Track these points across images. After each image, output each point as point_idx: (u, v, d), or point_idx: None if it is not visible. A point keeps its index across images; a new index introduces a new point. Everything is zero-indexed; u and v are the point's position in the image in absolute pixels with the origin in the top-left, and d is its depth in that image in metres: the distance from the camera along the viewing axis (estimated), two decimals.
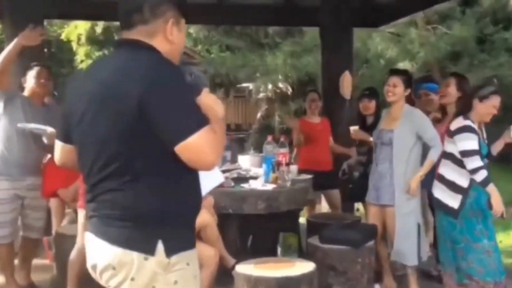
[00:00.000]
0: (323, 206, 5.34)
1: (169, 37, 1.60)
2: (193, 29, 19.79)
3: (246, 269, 2.95)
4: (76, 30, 20.61)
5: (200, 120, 1.50)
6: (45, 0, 5.26)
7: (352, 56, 5.83)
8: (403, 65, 11.50)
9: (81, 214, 3.29)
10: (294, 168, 3.90)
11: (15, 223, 3.66)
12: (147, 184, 1.52)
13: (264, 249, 4.15)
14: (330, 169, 4.87)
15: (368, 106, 4.25)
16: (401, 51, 12.08)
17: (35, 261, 4.12)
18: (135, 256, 1.50)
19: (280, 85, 16.11)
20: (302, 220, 4.72)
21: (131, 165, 1.52)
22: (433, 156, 3.39)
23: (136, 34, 1.59)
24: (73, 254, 3.35)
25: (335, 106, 5.44)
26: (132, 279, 1.51)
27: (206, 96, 1.66)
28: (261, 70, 13.70)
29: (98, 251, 1.58)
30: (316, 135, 4.91)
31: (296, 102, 14.17)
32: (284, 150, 3.61)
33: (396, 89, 3.55)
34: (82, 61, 19.80)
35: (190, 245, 1.62)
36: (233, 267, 3.16)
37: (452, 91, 3.75)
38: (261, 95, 17.54)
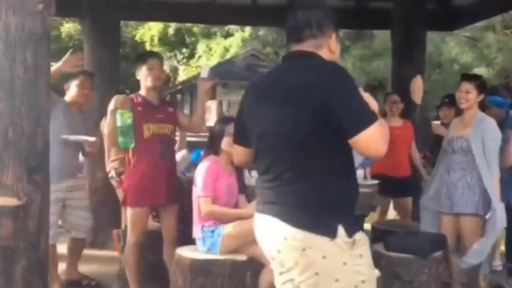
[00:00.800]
0: (391, 213, 5.22)
1: (332, 48, 1.92)
2: (262, 31, 19.93)
3: None
4: (149, 32, 21.30)
5: (373, 114, 1.77)
6: (122, 2, 5.48)
7: (424, 60, 5.66)
8: (478, 70, 11.04)
9: (129, 212, 3.42)
10: (359, 172, 3.83)
11: (56, 225, 3.79)
12: (324, 177, 1.81)
13: None
14: (407, 175, 4.70)
15: (448, 114, 4.10)
16: (477, 56, 11.62)
17: (104, 253, 4.29)
18: (322, 238, 1.77)
19: None
20: (368, 226, 4.63)
21: (312, 161, 1.80)
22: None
23: (306, 46, 1.89)
24: (126, 251, 3.46)
25: (407, 111, 5.30)
26: (324, 257, 1.78)
27: (363, 94, 1.84)
28: None
29: (281, 235, 1.82)
30: (394, 138, 4.78)
31: None
32: None
33: (468, 95, 3.43)
34: None
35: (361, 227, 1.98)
36: None
37: None
38: None
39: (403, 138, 4.77)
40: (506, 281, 3.79)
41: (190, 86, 25.75)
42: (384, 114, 5.06)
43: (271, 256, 1.93)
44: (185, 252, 3.13)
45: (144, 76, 3.43)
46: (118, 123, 3.30)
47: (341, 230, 1.78)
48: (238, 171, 3.32)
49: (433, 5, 5.68)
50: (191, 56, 30.34)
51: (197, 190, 3.12)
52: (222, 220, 3.11)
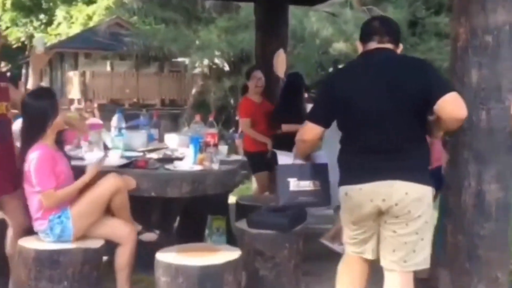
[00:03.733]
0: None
1: (398, 52, 2.54)
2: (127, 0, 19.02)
3: (167, 257, 2.78)
4: None
5: (452, 85, 2.52)
6: None
7: (288, 34, 5.69)
8: (338, 45, 11.55)
9: None
10: (223, 148, 3.75)
11: None
12: (420, 142, 2.46)
13: (191, 233, 4.00)
14: (265, 150, 4.76)
15: None
16: (336, 31, 12.13)
17: None
18: (429, 189, 2.43)
19: (216, 61, 15.85)
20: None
21: (413, 130, 2.42)
22: None
23: (388, 45, 2.48)
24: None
25: (270, 85, 5.31)
26: (428, 204, 2.43)
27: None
28: (195, 45, 13.34)
29: (400, 191, 2.35)
30: (261, 115, 4.80)
31: (232, 79, 13.96)
32: (213, 130, 3.45)
33: None
34: (7, 28, 18.49)
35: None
36: (140, 233, 3.08)
37: None
38: (197, 70, 17.24)
39: (267, 115, 4.82)
40: None
41: None
42: (244, 90, 5.03)
43: (388, 209, 2.39)
44: (28, 243, 2.82)
45: None
46: None
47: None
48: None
49: None
50: (49, 23, 28.25)
51: (34, 186, 2.78)
52: (66, 202, 2.86)
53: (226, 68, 15.24)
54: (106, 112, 15.25)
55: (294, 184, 2.99)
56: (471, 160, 2.70)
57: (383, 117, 2.36)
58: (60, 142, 3.02)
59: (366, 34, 2.52)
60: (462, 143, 2.73)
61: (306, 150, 2.74)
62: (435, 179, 3.51)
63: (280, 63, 5.33)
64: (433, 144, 3.43)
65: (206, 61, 15.79)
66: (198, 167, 3.22)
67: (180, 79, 19.93)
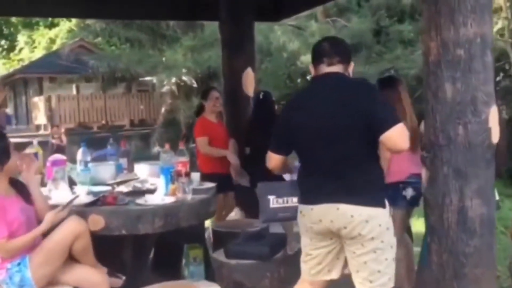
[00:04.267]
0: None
1: (350, 70, 2.56)
2: (90, 21, 18.74)
3: None
4: None
5: (398, 116, 2.43)
6: None
7: (254, 51, 5.59)
8: (305, 58, 11.54)
9: None
10: (195, 176, 3.60)
11: None
12: (369, 164, 2.45)
13: (167, 264, 3.83)
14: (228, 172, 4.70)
15: None
16: (303, 44, 12.12)
17: None
18: (379, 210, 2.41)
19: (184, 78, 15.72)
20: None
21: (361, 152, 2.42)
22: None
23: (336, 68, 2.50)
24: None
25: (239, 104, 5.20)
26: (380, 225, 2.40)
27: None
28: (162, 64, 13.18)
29: (346, 214, 2.38)
30: (219, 135, 4.70)
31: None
32: (183, 158, 3.29)
33: None
34: None
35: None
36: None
37: None
38: (165, 89, 17.04)
39: (226, 135, 4.78)
40: None
41: (12, 81, 23.49)
42: (200, 110, 4.93)
43: (337, 232, 2.44)
44: None
45: None
46: None
47: (386, 201, 2.45)
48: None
49: None
50: (11, 48, 27.72)
51: None
52: (26, 249, 2.68)
53: (195, 85, 15.10)
54: (74, 136, 14.95)
55: (274, 201, 3.07)
56: (451, 176, 2.64)
57: (331, 140, 2.41)
58: (15, 183, 2.84)
59: (316, 57, 2.55)
60: (441, 159, 2.66)
61: (276, 172, 2.82)
62: (393, 194, 3.41)
63: (249, 81, 5.24)
64: (392, 157, 3.32)
65: (174, 79, 15.64)
66: (170, 199, 3.08)
67: (149, 98, 19.66)
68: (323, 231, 2.48)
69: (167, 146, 3.41)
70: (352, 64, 2.56)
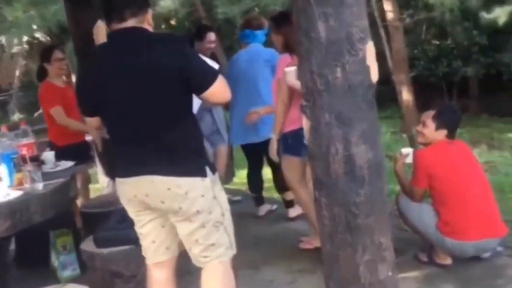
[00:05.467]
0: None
1: (150, 21, 2.27)
2: None
3: None
4: None
5: (213, 68, 2.32)
6: None
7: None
8: (165, 2, 10.83)
9: None
10: (48, 156, 3.07)
11: None
12: (185, 128, 2.24)
13: (33, 257, 3.35)
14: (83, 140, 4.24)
15: None
16: None
17: None
18: (198, 180, 2.20)
19: (37, 35, 14.36)
20: None
21: (174, 116, 2.20)
22: None
23: (131, 23, 2.19)
24: None
25: None
26: (202, 196, 2.21)
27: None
28: (6, 23, 11.71)
29: (161, 187, 2.16)
30: (70, 101, 4.10)
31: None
32: (28, 139, 2.75)
33: None
34: None
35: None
36: None
37: None
38: (16, 49, 15.59)
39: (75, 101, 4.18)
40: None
41: None
42: (41, 73, 4.30)
43: (156, 207, 2.22)
44: None
45: None
46: None
47: (208, 170, 2.23)
48: None
49: None
50: None
51: None
52: None
53: (50, 41, 13.83)
54: None
55: None
56: (334, 123, 2.40)
57: (137, 104, 2.16)
58: None
59: (105, 14, 2.24)
60: (320, 105, 2.40)
61: None
62: (294, 143, 3.27)
63: (102, 36, 4.61)
64: (289, 105, 3.20)
65: (25, 38, 14.23)
66: (16, 193, 2.55)
67: None
68: (143, 206, 2.27)
69: (3, 128, 2.81)
70: (150, 12, 2.27)
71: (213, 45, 4.49)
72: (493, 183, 3.41)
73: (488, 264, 3.20)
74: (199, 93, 2.19)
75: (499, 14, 9.98)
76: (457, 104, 11.88)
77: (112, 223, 2.90)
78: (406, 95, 9.71)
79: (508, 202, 4.82)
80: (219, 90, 2.20)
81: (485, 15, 10.32)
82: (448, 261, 3.22)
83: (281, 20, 3.40)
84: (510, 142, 8.95)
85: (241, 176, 5.37)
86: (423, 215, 3.22)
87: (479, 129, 10.29)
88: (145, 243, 2.37)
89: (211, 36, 4.46)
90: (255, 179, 4.57)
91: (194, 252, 2.31)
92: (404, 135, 8.72)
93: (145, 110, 2.15)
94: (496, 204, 3.21)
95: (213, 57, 4.32)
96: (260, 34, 4.26)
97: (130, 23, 2.17)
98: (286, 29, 3.13)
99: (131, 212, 2.36)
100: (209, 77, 2.18)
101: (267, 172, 4.61)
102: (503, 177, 6.10)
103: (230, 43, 13.25)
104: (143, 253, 2.41)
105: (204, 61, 2.26)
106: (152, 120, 2.16)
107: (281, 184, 4.21)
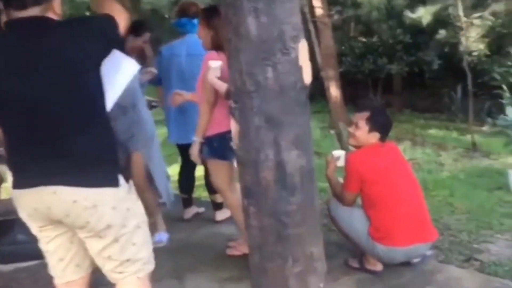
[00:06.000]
0: None
1: (57, 10, 1.97)
2: None
3: None
4: None
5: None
6: None
7: None
8: None
9: None
10: None
11: None
12: (95, 129, 1.94)
13: None
14: None
15: None
16: None
17: None
18: (110, 191, 1.94)
19: None
20: None
21: (83, 116, 1.92)
22: None
23: (32, 12, 1.89)
24: None
25: None
26: (114, 208, 1.94)
27: None
28: None
29: (66, 199, 1.88)
30: None
31: None
32: None
33: None
34: None
35: None
36: None
37: None
38: None
39: None
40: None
41: None
42: None
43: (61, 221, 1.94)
44: None
45: None
46: None
47: (121, 179, 1.97)
48: None
49: None
50: None
51: None
52: None
53: None
54: None
55: None
56: (264, 127, 2.24)
57: (38, 103, 1.86)
58: None
59: (3, 0, 1.96)
60: (250, 108, 2.23)
61: None
62: (220, 146, 3.09)
63: None
64: (213, 107, 3.04)
65: None
66: None
67: None
68: (46, 220, 1.98)
69: None
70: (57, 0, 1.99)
71: (146, 46, 4.16)
72: None
73: (418, 270, 3.17)
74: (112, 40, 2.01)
75: (423, 14, 10.25)
76: (381, 100, 12.23)
77: (16, 233, 2.58)
78: (334, 91, 9.78)
79: (432, 200, 4.86)
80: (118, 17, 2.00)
81: (409, 14, 10.57)
82: (379, 267, 3.16)
83: (213, 13, 3.11)
84: (432, 139, 9.20)
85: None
86: (354, 220, 3.13)
87: (403, 125, 10.55)
88: (52, 261, 2.09)
89: (147, 36, 4.13)
90: (186, 179, 4.32)
91: (107, 269, 2.07)
92: (332, 132, 8.75)
93: (47, 109, 1.87)
94: (427, 209, 3.18)
95: (141, 52, 4.03)
96: (197, 23, 3.88)
97: (32, 11, 1.89)
98: (219, 24, 2.86)
99: (33, 228, 2.05)
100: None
101: (200, 169, 4.37)
102: (426, 174, 6.19)
103: (157, 34, 12.84)
104: (51, 272, 2.13)
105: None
106: (56, 121, 1.88)
107: (211, 185, 4.00)
